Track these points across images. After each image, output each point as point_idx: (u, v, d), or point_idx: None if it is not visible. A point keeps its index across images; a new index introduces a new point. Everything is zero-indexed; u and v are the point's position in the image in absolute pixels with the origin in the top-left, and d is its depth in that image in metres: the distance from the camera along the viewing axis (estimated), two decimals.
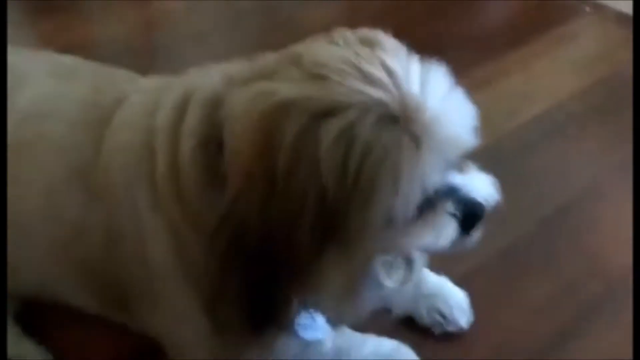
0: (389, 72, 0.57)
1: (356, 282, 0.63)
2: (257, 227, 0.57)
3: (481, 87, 1.38)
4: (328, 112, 0.55)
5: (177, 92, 0.69)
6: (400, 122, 0.56)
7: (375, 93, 0.56)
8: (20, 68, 0.78)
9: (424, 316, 0.90)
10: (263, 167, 0.56)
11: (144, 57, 1.43)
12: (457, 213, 0.64)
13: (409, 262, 0.73)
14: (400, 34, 1.71)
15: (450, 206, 0.64)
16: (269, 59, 0.64)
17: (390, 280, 0.69)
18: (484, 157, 1.22)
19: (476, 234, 0.68)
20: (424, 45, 1.68)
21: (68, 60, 0.83)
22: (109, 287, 0.76)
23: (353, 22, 1.64)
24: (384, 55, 0.59)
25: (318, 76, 0.57)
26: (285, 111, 0.55)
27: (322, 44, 0.62)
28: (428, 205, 0.61)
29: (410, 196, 0.57)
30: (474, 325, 0.90)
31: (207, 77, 0.69)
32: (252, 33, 1.54)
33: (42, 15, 1.54)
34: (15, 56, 0.82)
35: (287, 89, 0.56)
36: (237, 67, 0.69)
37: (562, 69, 1.46)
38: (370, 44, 0.61)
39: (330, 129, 0.55)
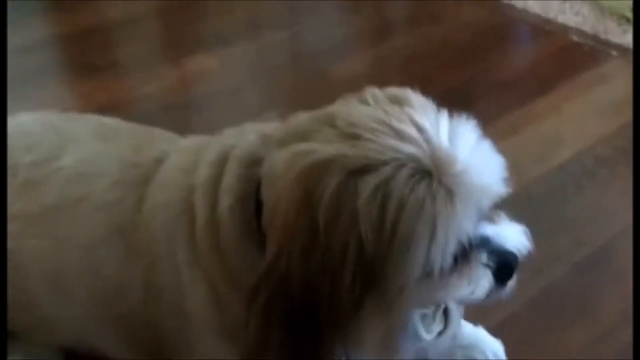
0: (419, 128, 0.60)
1: (394, 335, 0.64)
2: (299, 281, 0.59)
3: (510, 133, 1.40)
4: (364, 169, 0.58)
5: (214, 151, 0.73)
6: (433, 175, 0.58)
7: (407, 149, 0.58)
8: (67, 130, 0.83)
9: None
10: (304, 222, 0.58)
11: (180, 114, 1.48)
12: (491, 264, 0.65)
13: (445, 315, 0.74)
14: (427, 83, 1.74)
15: (484, 257, 0.65)
16: (301, 119, 0.67)
17: (427, 333, 0.70)
18: (514, 205, 1.23)
19: (510, 284, 0.69)
20: (451, 93, 1.71)
21: (110, 121, 0.88)
22: (147, 340, 0.79)
23: (381, 73, 1.69)
24: (412, 112, 0.61)
25: (352, 135, 0.60)
26: (323, 169, 0.58)
27: (354, 104, 0.64)
28: (463, 257, 0.63)
29: (445, 247, 0.58)
30: None
31: (242, 137, 0.73)
32: (284, 87, 1.59)
33: (82, 76, 1.61)
34: (62, 119, 0.87)
35: (323, 148, 0.59)
36: (270, 126, 0.72)
37: (590, 113, 1.46)
38: (399, 101, 0.63)
39: (367, 185, 0.57)
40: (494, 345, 0.91)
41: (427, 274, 0.59)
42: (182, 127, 1.40)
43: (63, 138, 0.81)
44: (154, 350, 0.79)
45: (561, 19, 1.88)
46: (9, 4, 1.79)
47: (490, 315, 0.96)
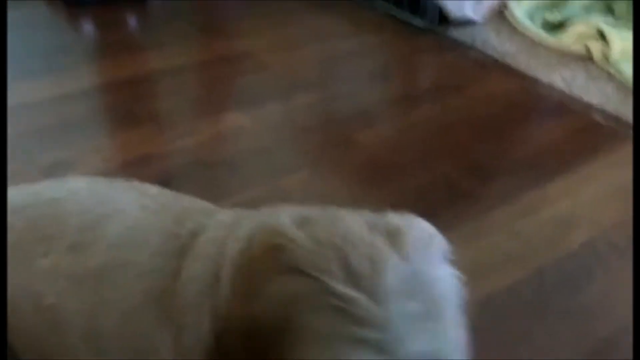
0: (374, 272, 0.62)
1: None
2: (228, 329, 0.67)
3: (526, 213, 1.45)
4: (291, 270, 0.63)
5: (246, 227, 0.78)
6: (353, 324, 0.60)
7: (336, 282, 0.61)
8: (113, 199, 0.90)
9: None
10: (246, 283, 0.67)
11: (211, 171, 1.54)
12: None
13: None
14: (450, 156, 1.80)
15: None
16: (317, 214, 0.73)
17: None
18: (526, 288, 1.27)
19: None
20: (473, 168, 1.76)
21: (153, 190, 0.94)
22: None
23: (405, 142, 1.75)
24: (385, 253, 0.63)
25: (325, 244, 0.64)
26: (274, 253, 0.65)
27: (353, 221, 0.68)
28: None
29: None
30: None
31: (276, 218, 0.79)
32: (312, 149, 1.66)
33: (122, 126, 1.69)
34: (110, 188, 0.94)
35: (293, 241, 0.65)
36: (303, 213, 0.79)
37: (606, 197, 1.49)
38: (392, 236, 0.65)
39: (284, 283, 0.63)
40: None
41: None
42: (213, 184, 1.48)
43: (110, 207, 0.88)
44: None
45: (586, 97, 1.93)
46: (57, 54, 1.89)
47: None
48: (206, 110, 1.79)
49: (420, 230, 0.69)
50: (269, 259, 0.65)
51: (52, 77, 1.83)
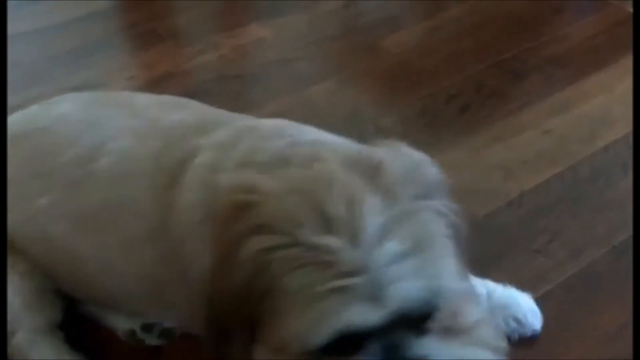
0: (351, 214, 0.57)
1: None
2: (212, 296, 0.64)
3: (560, 110, 1.41)
4: (263, 227, 0.59)
5: (240, 153, 0.75)
6: (324, 268, 0.56)
7: (313, 232, 0.57)
8: (104, 125, 0.87)
9: (502, 325, 0.93)
10: (217, 250, 0.63)
11: (235, 84, 1.53)
12: None
13: None
14: (478, 56, 1.74)
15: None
16: (310, 149, 0.71)
17: None
18: (560, 183, 1.26)
19: None
20: (503, 67, 1.71)
21: (142, 101, 0.92)
22: (185, 312, 0.84)
23: (432, 46, 1.70)
24: (367, 195, 0.58)
25: (293, 191, 0.60)
26: (242, 211, 0.61)
27: (339, 161, 0.63)
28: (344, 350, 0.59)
29: (314, 334, 0.57)
30: (544, 351, 0.93)
31: (272, 141, 0.75)
32: (334, 58, 1.62)
33: (142, 45, 1.67)
34: (98, 108, 0.92)
35: (260, 190, 0.61)
36: (307, 130, 0.78)
37: None
38: (372, 172, 0.61)
39: (255, 244, 0.58)
40: (526, 300, 0.96)
41: (287, 345, 0.59)
42: (238, 98, 1.47)
43: (101, 134, 0.85)
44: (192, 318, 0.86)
45: None
46: None
47: (527, 291, 1.00)
48: (227, 23, 1.75)
49: (404, 160, 0.63)
50: (237, 220, 0.60)
51: None
